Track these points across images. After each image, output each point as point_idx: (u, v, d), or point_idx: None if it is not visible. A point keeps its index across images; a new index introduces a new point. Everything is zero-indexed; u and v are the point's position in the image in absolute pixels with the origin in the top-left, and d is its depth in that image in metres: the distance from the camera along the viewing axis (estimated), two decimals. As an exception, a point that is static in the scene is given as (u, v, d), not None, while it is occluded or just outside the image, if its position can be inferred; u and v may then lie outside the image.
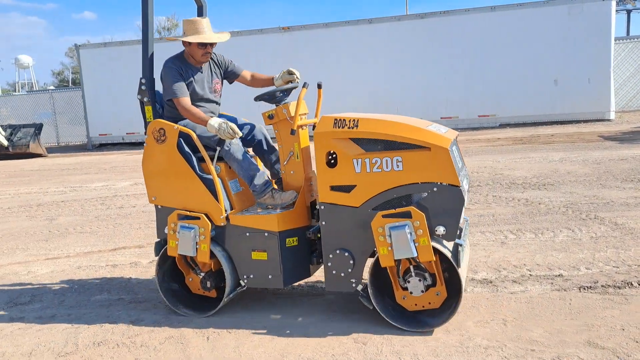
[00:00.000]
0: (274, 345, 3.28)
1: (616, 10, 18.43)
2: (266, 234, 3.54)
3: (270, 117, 3.67)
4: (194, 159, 3.68)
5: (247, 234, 3.59)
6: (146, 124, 3.79)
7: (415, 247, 3.14)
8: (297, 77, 3.88)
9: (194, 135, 3.63)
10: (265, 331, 3.47)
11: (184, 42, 3.78)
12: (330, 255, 3.40)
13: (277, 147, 3.84)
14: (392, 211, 3.20)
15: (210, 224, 3.61)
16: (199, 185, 3.64)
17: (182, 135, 3.67)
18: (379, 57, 16.10)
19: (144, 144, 3.78)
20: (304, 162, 3.70)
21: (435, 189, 3.17)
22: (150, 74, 3.82)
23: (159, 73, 3.77)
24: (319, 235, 3.55)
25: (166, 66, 3.75)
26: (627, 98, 17.82)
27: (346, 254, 3.37)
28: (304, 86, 3.61)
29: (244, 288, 3.68)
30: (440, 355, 3.02)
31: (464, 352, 3.03)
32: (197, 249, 3.63)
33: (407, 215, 3.17)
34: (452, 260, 3.18)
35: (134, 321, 3.78)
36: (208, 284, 3.77)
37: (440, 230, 3.17)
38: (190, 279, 3.89)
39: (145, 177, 3.83)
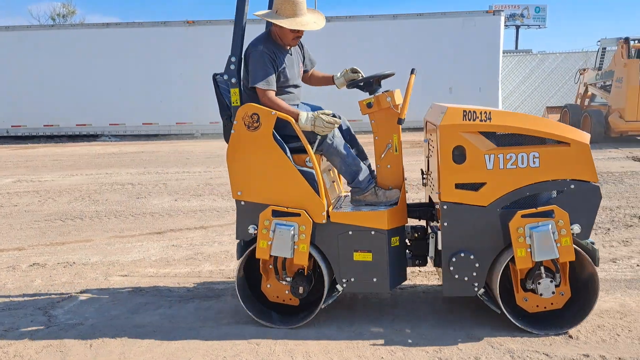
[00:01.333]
0: (163, 350, 3.15)
1: (505, 25, 19.95)
2: (373, 233, 3.24)
3: (369, 105, 3.37)
4: (287, 149, 3.27)
5: (350, 233, 3.25)
6: (228, 108, 3.39)
7: (557, 247, 3.01)
8: (362, 75, 3.61)
9: (295, 124, 3.24)
10: (154, 336, 3.32)
11: (272, 22, 3.36)
12: (454, 259, 3.15)
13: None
14: (533, 210, 3.03)
15: (312, 221, 3.24)
16: (298, 178, 3.22)
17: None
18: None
19: (232, 131, 3.28)
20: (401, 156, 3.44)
21: (572, 186, 3.06)
22: (240, 52, 3.34)
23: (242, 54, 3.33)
24: (416, 235, 3.45)
25: (257, 50, 3.31)
26: (513, 107, 19.32)
27: (471, 256, 3.14)
28: (412, 72, 3.39)
29: (339, 293, 3.35)
30: (332, 351, 3.06)
31: (354, 347, 3.10)
32: (294, 249, 3.24)
33: (548, 214, 3.02)
34: (590, 259, 3.07)
35: (7, 329, 3.47)
36: (300, 290, 3.29)
37: (576, 228, 3.05)
38: (269, 285, 3.43)
39: (230, 168, 3.33)
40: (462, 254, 3.14)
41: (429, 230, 3.47)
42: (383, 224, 3.23)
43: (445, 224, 3.15)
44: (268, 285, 3.43)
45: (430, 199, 3.71)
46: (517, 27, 35.90)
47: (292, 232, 3.19)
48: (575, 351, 2.98)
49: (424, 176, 3.81)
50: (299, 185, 3.23)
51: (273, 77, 3.31)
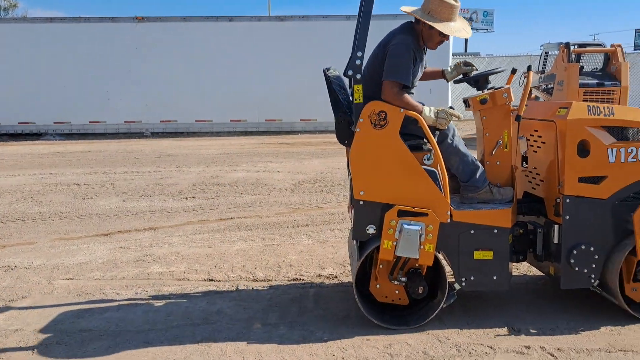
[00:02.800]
0: (110, 355, 3.07)
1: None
2: (496, 231, 3.26)
3: (484, 101, 3.35)
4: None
5: (472, 231, 3.26)
6: (342, 105, 3.32)
7: None
8: (475, 68, 3.64)
9: (423, 122, 3.19)
10: (101, 341, 3.23)
11: (421, 21, 3.28)
12: (574, 251, 3.25)
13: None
14: None
15: (439, 221, 3.19)
16: (425, 177, 3.20)
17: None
18: (238, 56, 15.97)
19: (356, 130, 3.21)
20: (512, 152, 3.44)
21: None
22: (364, 47, 3.19)
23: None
24: (521, 232, 3.43)
25: (404, 43, 3.24)
26: (462, 109, 19.85)
27: (591, 248, 3.26)
28: (529, 69, 3.45)
29: (456, 291, 3.34)
30: (284, 351, 3.07)
31: (306, 346, 3.11)
32: (420, 249, 3.17)
33: None
34: None
35: (-59, 339, 3.29)
36: (420, 290, 3.27)
37: None
38: (378, 286, 3.35)
39: (354, 167, 3.26)
40: (583, 247, 3.26)
41: (530, 227, 3.49)
42: (506, 222, 3.27)
43: (567, 217, 3.25)
44: (377, 286, 3.36)
45: (526, 194, 3.73)
46: (467, 31, 36.90)
47: (420, 232, 3.15)
48: (517, 343, 3.11)
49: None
50: (425, 184, 3.21)
51: (411, 73, 3.26)
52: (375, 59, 3.38)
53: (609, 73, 11.26)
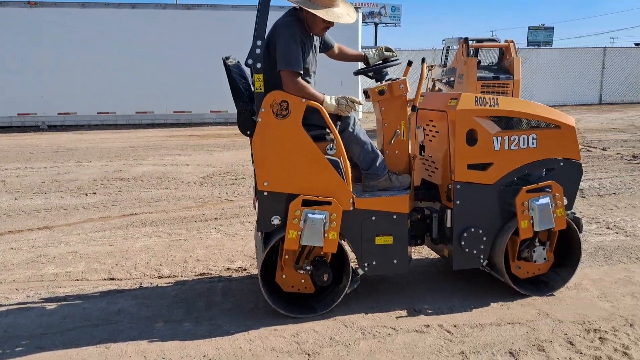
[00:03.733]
0: (-4, 364, 2.85)
1: (365, 22, 20.88)
2: (395, 217, 3.36)
3: (381, 92, 3.41)
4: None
5: (373, 218, 3.34)
6: (242, 95, 3.28)
7: (554, 218, 3.40)
8: (395, 55, 3.67)
9: (324, 111, 3.21)
10: (-15, 349, 2.98)
11: (305, 10, 3.20)
12: (465, 234, 3.42)
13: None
14: (535, 186, 3.41)
15: (342, 209, 3.23)
16: (328, 166, 3.23)
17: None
18: (143, 45, 15.28)
19: (258, 119, 3.15)
20: (409, 141, 3.58)
21: (561, 164, 3.52)
22: (264, 36, 3.15)
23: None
24: (418, 217, 3.59)
25: (289, 30, 3.20)
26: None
27: (480, 231, 3.43)
28: (423, 62, 3.52)
29: (359, 277, 3.41)
30: (188, 347, 3.00)
31: (212, 340, 3.06)
32: (324, 238, 3.19)
33: (545, 189, 3.41)
34: (576, 228, 3.56)
35: None
36: (325, 277, 3.33)
37: (565, 201, 3.46)
38: (284, 276, 3.37)
39: (256, 158, 3.21)
40: (472, 229, 3.44)
41: (427, 212, 3.65)
42: (404, 208, 3.39)
43: (458, 202, 3.42)
44: (283, 276, 3.39)
45: (423, 181, 3.88)
46: (376, 25, 37.87)
47: (324, 221, 3.18)
48: (418, 323, 3.25)
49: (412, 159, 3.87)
50: (329, 173, 3.24)
51: (301, 59, 3.21)
52: (267, 48, 3.35)
53: (503, 67, 12.01)
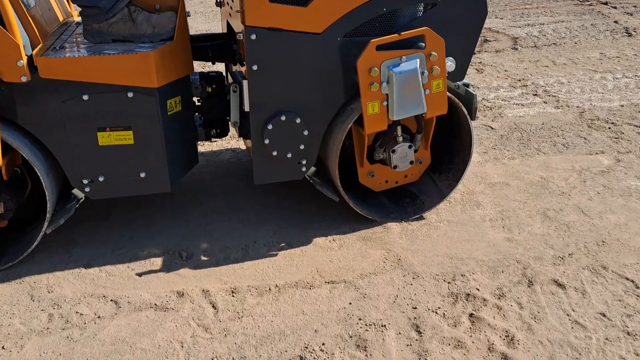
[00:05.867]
0: None
1: None
2: (131, 95, 1.92)
3: None
4: None
5: (85, 97, 1.90)
6: None
7: (425, 96, 1.99)
8: None
9: None
10: None
11: None
12: (269, 126, 2.02)
13: None
14: (394, 37, 1.93)
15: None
16: None
17: None
18: None
19: None
20: None
21: None
22: None
23: None
24: (210, 90, 2.17)
25: None
26: None
27: (297, 120, 2.03)
28: None
29: (82, 200, 2.14)
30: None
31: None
32: None
33: (414, 44, 1.96)
34: (465, 110, 2.10)
35: None
36: (2, 207, 1.97)
37: (449, 65, 2.04)
38: None
39: None
40: (283, 117, 2.03)
41: (230, 80, 2.29)
42: (149, 79, 1.90)
43: (255, 67, 1.94)
44: None
45: (229, 26, 2.37)
46: None
47: None
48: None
49: None
50: None
51: None
52: None
53: None
